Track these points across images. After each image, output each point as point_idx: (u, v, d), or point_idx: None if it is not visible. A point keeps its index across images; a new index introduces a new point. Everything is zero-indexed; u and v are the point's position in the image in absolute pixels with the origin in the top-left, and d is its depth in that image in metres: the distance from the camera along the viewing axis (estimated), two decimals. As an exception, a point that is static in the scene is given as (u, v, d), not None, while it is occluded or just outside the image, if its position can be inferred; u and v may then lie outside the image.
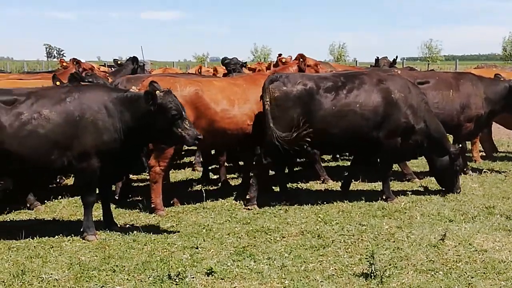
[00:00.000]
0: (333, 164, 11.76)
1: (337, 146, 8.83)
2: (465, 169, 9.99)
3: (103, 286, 5.31)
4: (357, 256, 6.06)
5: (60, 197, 8.74)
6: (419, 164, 10.90)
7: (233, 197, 8.66)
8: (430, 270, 5.68)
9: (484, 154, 12.17)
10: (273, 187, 9.08)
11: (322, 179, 9.77)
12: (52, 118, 6.43)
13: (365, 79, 8.32)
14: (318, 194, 8.48)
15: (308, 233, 6.85)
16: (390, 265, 5.77)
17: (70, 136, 6.47)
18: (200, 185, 9.63)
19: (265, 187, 8.58)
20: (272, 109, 7.91)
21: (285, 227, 7.12)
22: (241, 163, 10.61)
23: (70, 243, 6.54)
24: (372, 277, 5.43)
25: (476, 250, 6.24)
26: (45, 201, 8.47)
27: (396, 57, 16.59)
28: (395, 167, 9.61)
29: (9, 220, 7.66)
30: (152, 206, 7.85)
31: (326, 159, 11.94)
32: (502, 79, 10.21)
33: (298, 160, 11.05)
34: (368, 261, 5.55)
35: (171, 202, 8.20)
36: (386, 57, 16.14)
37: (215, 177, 10.29)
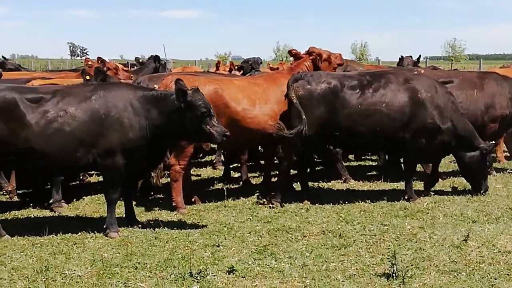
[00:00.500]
0: (354, 163, 11.69)
1: (361, 145, 8.76)
2: (489, 170, 9.87)
3: (125, 283, 5.35)
4: (379, 256, 6.03)
5: (83, 194, 8.82)
6: (441, 164, 10.78)
7: (254, 196, 8.66)
8: (452, 271, 5.62)
9: (508, 154, 12.01)
10: (294, 186, 9.08)
11: (343, 179, 9.74)
12: (77, 116, 6.50)
13: (391, 78, 8.26)
14: (339, 194, 8.45)
15: (329, 232, 6.83)
16: (412, 265, 5.72)
17: (96, 134, 6.54)
18: (222, 184, 9.67)
19: (286, 186, 8.60)
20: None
21: (306, 226, 7.11)
22: (262, 162, 10.62)
23: (93, 240, 6.60)
24: (394, 277, 5.39)
25: (500, 251, 6.16)
26: (67, 199, 8.55)
27: (420, 56, 16.46)
28: (418, 167, 9.52)
29: (33, 216, 7.76)
30: (174, 204, 7.90)
31: (348, 159, 11.88)
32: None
33: (319, 159, 11.03)
34: (390, 261, 5.52)
35: (192, 200, 8.24)
36: (411, 56, 16.02)
37: (236, 175, 10.30)
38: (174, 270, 5.59)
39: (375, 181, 9.55)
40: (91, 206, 8.26)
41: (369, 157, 12.08)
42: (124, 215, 7.22)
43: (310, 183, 9.14)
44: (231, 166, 10.47)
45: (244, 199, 8.50)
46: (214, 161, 11.53)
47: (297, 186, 9.12)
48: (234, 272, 5.55)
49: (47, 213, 7.90)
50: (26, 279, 5.43)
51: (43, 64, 47.23)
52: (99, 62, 11.51)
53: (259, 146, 9.40)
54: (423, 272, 5.58)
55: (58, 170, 6.93)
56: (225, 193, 8.30)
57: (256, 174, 10.54)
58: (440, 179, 9.62)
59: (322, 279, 5.44)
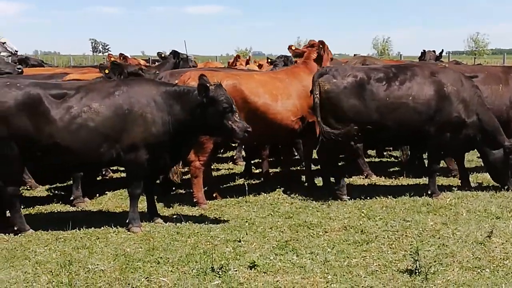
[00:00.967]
0: (376, 159, 11.62)
1: (386, 139, 8.68)
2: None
3: (147, 277, 5.39)
4: (401, 252, 5.99)
5: (106, 189, 8.89)
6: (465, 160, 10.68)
7: (275, 191, 8.66)
8: (476, 267, 5.57)
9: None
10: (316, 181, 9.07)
11: (365, 174, 9.69)
12: (101, 111, 6.56)
13: (417, 71, 8.19)
14: (361, 189, 8.40)
15: (351, 228, 6.80)
16: (435, 261, 5.68)
17: (119, 129, 6.59)
18: (243, 179, 9.67)
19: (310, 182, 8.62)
20: (322, 103, 7.88)
21: (328, 222, 7.09)
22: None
23: (116, 234, 6.66)
24: (417, 273, 5.36)
25: (524, 248, 6.09)
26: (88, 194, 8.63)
27: (442, 50, 16.27)
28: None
29: (56, 211, 7.84)
30: (195, 200, 7.93)
31: (369, 154, 11.81)
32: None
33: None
34: (412, 258, 5.48)
35: (213, 195, 8.26)
36: (434, 50, 15.85)
37: (257, 171, 10.31)
38: (196, 265, 5.62)
39: (397, 177, 9.48)
40: (114, 201, 8.33)
41: (391, 153, 11.99)
42: (146, 210, 7.26)
43: (332, 179, 9.10)
44: (252, 162, 10.46)
45: (265, 194, 8.50)
46: (235, 157, 11.55)
47: (317, 181, 9.12)
48: (255, 267, 5.56)
49: (70, 208, 7.97)
50: (50, 273, 5.49)
51: (65, 60, 47.65)
52: (121, 58, 11.59)
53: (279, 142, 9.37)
54: (446, 269, 5.54)
55: (81, 165, 6.99)
56: (246, 188, 8.30)
57: (277, 170, 10.52)
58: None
59: (344, 275, 5.42)
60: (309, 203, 7.95)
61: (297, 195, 8.39)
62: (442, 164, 9.60)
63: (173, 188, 8.91)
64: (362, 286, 5.22)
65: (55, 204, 8.12)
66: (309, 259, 5.80)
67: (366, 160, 10.22)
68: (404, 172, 9.61)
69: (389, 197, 8.12)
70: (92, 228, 6.82)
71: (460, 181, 8.91)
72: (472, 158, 10.61)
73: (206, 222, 7.07)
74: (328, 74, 8.02)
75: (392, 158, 11.70)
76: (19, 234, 6.60)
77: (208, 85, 6.68)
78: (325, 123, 7.87)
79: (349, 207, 7.71)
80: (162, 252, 6.02)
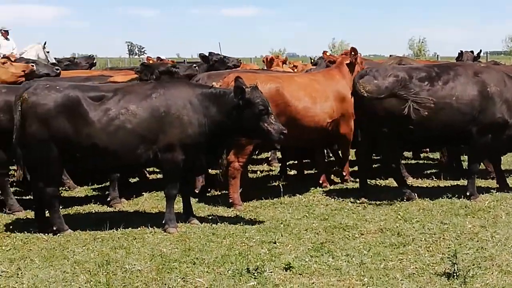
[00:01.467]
0: (412, 161, 11.49)
1: (427, 140, 8.58)
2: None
3: (183, 278, 5.42)
4: (439, 255, 5.91)
5: (142, 190, 8.98)
6: (504, 161, 10.48)
7: (310, 193, 8.63)
8: (516, 271, 5.46)
9: None
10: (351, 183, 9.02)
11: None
12: (138, 113, 6.64)
13: (460, 70, 8.05)
14: (397, 191, 8.32)
15: (387, 230, 6.74)
16: (473, 265, 5.58)
17: (156, 131, 6.66)
18: (278, 181, 9.65)
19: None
20: (364, 104, 7.86)
21: (364, 224, 7.03)
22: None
23: (152, 235, 6.72)
24: (455, 277, 5.27)
25: None
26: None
27: (480, 51, 16.01)
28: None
29: (94, 212, 7.95)
30: (230, 201, 7.96)
31: (406, 156, 11.68)
32: None
33: (376, 156, 10.89)
34: (450, 261, 5.39)
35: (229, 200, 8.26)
36: (472, 51, 15.61)
37: (292, 172, 10.29)
38: (232, 266, 5.63)
39: (435, 179, 9.35)
40: (150, 201, 8.40)
41: (428, 154, 11.83)
42: (182, 210, 7.31)
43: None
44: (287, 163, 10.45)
45: (300, 196, 8.47)
46: (269, 158, 11.54)
47: (351, 184, 9.07)
48: (291, 269, 5.55)
49: (107, 208, 8.07)
50: (88, 273, 5.56)
51: (102, 63, 48.25)
52: (158, 61, 11.71)
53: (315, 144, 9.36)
54: (485, 272, 5.44)
55: (118, 166, 7.10)
56: (281, 190, 8.29)
57: (313, 171, 10.48)
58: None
59: (380, 278, 5.37)
60: (344, 205, 7.91)
61: (332, 196, 8.35)
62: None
63: (209, 189, 8.95)
64: (399, 289, 5.17)
65: (93, 205, 8.23)
66: (345, 261, 5.76)
67: (403, 162, 10.10)
68: (441, 173, 9.47)
69: (426, 199, 8.01)
70: (129, 228, 6.89)
71: (497, 183, 8.75)
72: (505, 160, 10.41)
73: (241, 223, 7.09)
74: (369, 75, 7.96)
75: (429, 160, 11.55)
76: (58, 234, 6.71)
77: (243, 87, 6.70)
78: (366, 125, 7.80)
79: (385, 209, 7.64)
80: (198, 253, 6.06)
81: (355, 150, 9.11)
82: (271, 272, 5.49)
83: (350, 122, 8.66)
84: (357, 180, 8.94)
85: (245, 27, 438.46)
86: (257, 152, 11.73)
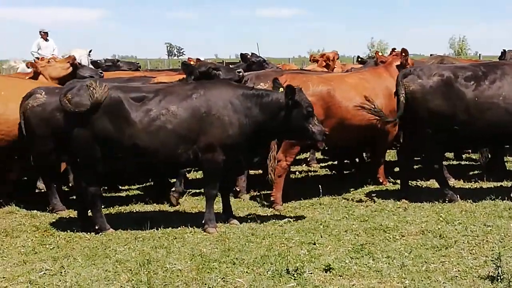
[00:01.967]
0: (454, 162, 11.29)
1: (472, 141, 8.42)
2: None
3: (223, 278, 5.44)
4: (482, 258, 5.79)
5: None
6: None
7: (350, 194, 8.57)
8: None
9: None
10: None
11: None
12: (179, 114, 6.70)
13: (507, 69, 7.87)
14: (439, 193, 8.18)
15: (429, 232, 6.63)
16: (518, 268, 5.45)
17: (197, 131, 6.72)
18: (317, 181, 9.60)
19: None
20: (407, 104, 7.77)
21: (405, 225, 6.94)
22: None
23: (192, 234, 6.76)
24: (499, 280, 5.16)
25: None
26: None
27: (524, 49, 15.60)
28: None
29: (135, 211, 8.04)
30: (272, 199, 7.97)
31: (447, 157, 11.49)
32: None
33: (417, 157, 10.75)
34: (494, 264, 5.28)
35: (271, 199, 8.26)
36: (517, 50, 15.23)
37: (331, 173, 10.23)
38: (271, 267, 5.62)
39: (477, 180, 9.17)
40: (190, 201, 8.46)
41: (470, 155, 11.61)
42: (221, 210, 7.34)
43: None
44: (325, 164, 10.41)
45: (339, 197, 8.42)
46: (308, 159, 11.50)
47: (392, 185, 8.97)
48: (331, 270, 5.51)
49: (148, 208, 8.16)
50: (129, 272, 5.63)
51: (142, 64, 48.79)
52: (196, 63, 11.79)
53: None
54: (530, 276, 5.30)
55: (159, 166, 7.18)
56: (321, 190, 8.26)
57: (351, 171, 10.42)
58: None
59: (422, 280, 5.29)
60: (384, 206, 7.82)
61: (372, 198, 8.27)
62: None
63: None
64: (441, 292, 5.10)
65: (134, 205, 8.31)
66: (386, 263, 5.70)
67: (444, 163, 9.93)
68: (484, 175, 9.28)
69: (469, 201, 7.86)
70: (170, 228, 6.95)
71: None
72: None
73: (280, 224, 7.08)
74: (413, 74, 7.86)
75: (472, 160, 11.33)
76: (100, 233, 6.82)
77: (295, 87, 6.80)
78: (410, 124, 7.71)
79: (426, 211, 7.52)
80: (238, 253, 6.07)
81: (396, 150, 9.01)
82: (311, 273, 5.47)
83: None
84: (397, 181, 8.85)
85: (283, 28, 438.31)
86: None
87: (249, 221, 7.24)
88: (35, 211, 7.97)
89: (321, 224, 7.06)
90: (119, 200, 8.59)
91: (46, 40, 18.78)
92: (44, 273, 5.66)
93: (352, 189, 8.79)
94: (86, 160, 6.76)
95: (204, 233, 6.80)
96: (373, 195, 8.41)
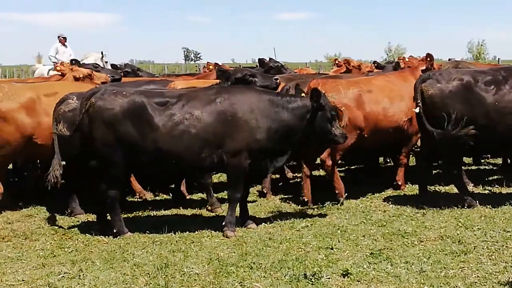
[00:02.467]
0: (473, 167, 11.19)
1: (493, 145, 8.34)
2: None
3: (241, 282, 5.44)
4: (502, 264, 5.73)
5: (199, 194, 9.08)
6: None
7: (367, 198, 8.53)
8: None
9: None
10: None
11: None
12: (203, 118, 6.75)
13: None
14: (457, 198, 8.11)
15: (447, 238, 6.58)
16: (539, 274, 5.40)
17: (221, 135, 6.77)
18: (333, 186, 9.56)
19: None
20: (426, 109, 7.72)
21: (423, 231, 6.88)
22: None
23: (209, 239, 6.77)
24: (519, 286, 5.12)
25: None
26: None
27: (544, 53, 15.48)
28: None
29: (152, 215, 8.07)
30: (337, 192, 8.28)
31: (466, 162, 11.40)
32: None
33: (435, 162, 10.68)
34: (514, 270, 5.24)
35: (304, 199, 8.27)
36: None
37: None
38: (289, 271, 5.61)
39: (496, 186, 9.08)
40: (207, 205, 8.44)
41: (489, 160, 11.50)
42: (239, 214, 7.35)
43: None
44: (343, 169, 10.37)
45: (356, 201, 8.38)
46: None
47: (410, 189, 8.91)
48: (348, 275, 5.49)
49: (166, 212, 8.18)
50: (147, 275, 5.65)
51: (159, 69, 49.16)
52: (215, 67, 11.89)
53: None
54: (552, 282, 5.25)
55: (183, 170, 7.24)
56: (343, 197, 8.24)
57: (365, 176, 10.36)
58: None
59: (441, 286, 5.25)
60: (402, 211, 7.77)
61: (390, 202, 8.23)
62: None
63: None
64: (461, 298, 5.06)
65: (152, 208, 8.31)
66: (404, 269, 5.66)
67: (463, 167, 9.85)
68: (504, 180, 9.19)
69: (488, 206, 7.77)
70: (187, 232, 6.96)
71: None
72: None
73: (298, 229, 7.07)
74: (432, 78, 7.81)
75: (491, 165, 11.22)
76: (118, 237, 6.85)
77: (321, 92, 6.94)
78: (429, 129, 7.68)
79: (445, 216, 7.46)
80: (255, 257, 6.07)
81: (415, 155, 8.98)
82: (329, 278, 5.45)
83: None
84: (415, 186, 8.80)
85: (300, 32, 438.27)
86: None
87: (266, 225, 7.23)
88: (54, 214, 8.02)
89: (338, 229, 7.04)
90: (136, 204, 8.62)
91: (65, 45, 18.97)
92: (63, 276, 5.70)
93: (369, 194, 8.75)
94: (108, 163, 6.80)
95: (222, 237, 6.80)
96: (391, 200, 8.37)
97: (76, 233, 7.12)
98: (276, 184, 9.52)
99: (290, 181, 9.98)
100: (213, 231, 6.96)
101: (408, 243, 6.45)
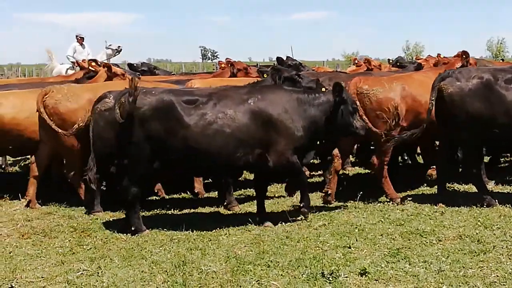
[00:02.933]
0: (493, 166, 11.07)
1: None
2: None
3: (258, 280, 5.44)
4: (522, 264, 5.68)
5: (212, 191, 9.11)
6: None
7: (385, 197, 8.48)
8: None
9: None
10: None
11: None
12: (237, 118, 6.83)
13: None
14: (477, 197, 8.03)
15: (466, 237, 6.52)
16: (559, 274, 5.33)
17: (257, 135, 6.87)
18: (352, 185, 9.54)
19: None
20: (445, 107, 7.69)
21: (442, 230, 6.83)
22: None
23: (227, 237, 6.78)
24: (540, 286, 5.06)
25: None
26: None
27: None
28: None
29: (170, 213, 8.10)
30: (388, 197, 8.21)
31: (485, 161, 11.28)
32: None
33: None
34: (534, 270, 5.19)
35: (328, 191, 8.30)
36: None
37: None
38: (306, 270, 5.60)
39: (516, 184, 8.99)
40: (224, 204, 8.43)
41: (509, 159, 11.40)
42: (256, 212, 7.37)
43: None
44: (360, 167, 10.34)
45: (374, 200, 8.33)
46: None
47: (428, 189, 8.86)
48: (366, 274, 5.47)
49: (183, 210, 8.19)
50: (165, 273, 5.67)
51: (177, 67, 49.29)
52: (229, 65, 11.90)
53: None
54: None
55: (215, 170, 7.35)
56: (356, 194, 8.22)
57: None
58: None
59: (459, 286, 5.21)
60: (421, 210, 7.72)
61: (408, 201, 8.18)
62: None
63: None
64: (480, 298, 5.01)
65: (169, 206, 8.34)
66: (423, 268, 5.62)
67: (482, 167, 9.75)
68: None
69: (507, 205, 7.69)
70: (205, 230, 6.98)
71: None
72: None
73: (315, 227, 7.05)
74: (451, 77, 7.74)
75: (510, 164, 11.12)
76: (136, 235, 6.89)
77: (342, 85, 7.13)
78: (450, 128, 7.61)
79: (464, 215, 7.40)
80: (272, 255, 6.06)
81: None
82: (346, 277, 5.43)
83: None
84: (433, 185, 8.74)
85: (317, 31, 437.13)
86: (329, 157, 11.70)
87: (283, 223, 7.22)
88: (73, 212, 8.10)
89: (356, 227, 7.01)
90: (154, 202, 8.65)
91: (82, 45, 19.13)
92: (82, 273, 5.74)
93: (387, 194, 8.68)
94: (134, 161, 6.85)
95: (239, 235, 6.81)
96: (409, 198, 8.32)
97: (95, 230, 7.16)
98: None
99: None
100: (230, 229, 6.97)
101: (427, 242, 6.41)
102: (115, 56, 19.58)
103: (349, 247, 6.28)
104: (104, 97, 7.48)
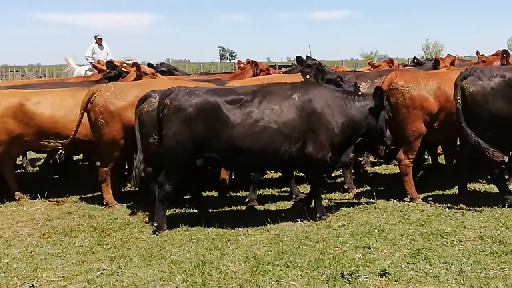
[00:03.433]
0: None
1: None
2: None
3: (277, 280, 5.43)
4: (545, 265, 5.60)
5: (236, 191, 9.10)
6: None
7: (405, 197, 8.41)
8: None
9: None
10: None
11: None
12: (282, 113, 6.92)
13: None
14: (498, 197, 7.94)
15: (488, 238, 6.46)
16: None
17: (303, 131, 6.96)
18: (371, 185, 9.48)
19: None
20: (467, 107, 7.60)
21: (462, 231, 6.77)
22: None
23: (246, 237, 6.78)
24: (562, 288, 4.98)
25: None
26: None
27: None
28: None
29: (189, 213, 8.08)
30: (409, 196, 8.15)
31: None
32: None
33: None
34: (557, 271, 5.11)
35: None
36: None
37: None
38: (325, 270, 5.59)
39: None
40: (243, 203, 8.41)
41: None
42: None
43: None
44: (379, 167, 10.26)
45: (394, 201, 8.26)
46: (362, 162, 11.35)
47: (448, 190, 8.77)
48: (386, 275, 5.44)
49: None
50: (184, 273, 5.69)
51: (195, 68, 49.46)
52: (253, 65, 11.93)
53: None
54: None
55: (260, 167, 7.58)
56: (374, 194, 8.15)
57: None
58: None
59: (481, 287, 5.16)
60: (441, 211, 7.64)
61: (428, 202, 8.10)
62: None
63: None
64: (502, 300, 4.96)
65: (188, 206, 8.31)
66: (443, 269, 5.57)
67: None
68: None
69: (530, 206, 7.61)
70: (224, 230, 6.99)
71: None
72: None
73: (334, 228, 7.02)
74: (473, 75, 7.66)
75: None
76: (156, 233, 6.92)
77: (384, 90, 7.25)
78: (470, 128, 7.52)
79: (485, 216, 7.32)
80: (291, 256, 6.05)
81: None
82: (366, 277, 5.40)
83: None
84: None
85: (335, 30, 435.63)
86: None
87: (302, 223, 7.20)
88: (93, 211, 8.16)
89: (376, 228, 6.97)
90: (174, 202, 8.64)
91: (100, 45, 19.24)
92: (102, 272, 5.78)
93: (407, 193, 8.61)
94: (174, 161, 6.93)
95: (257, 235, 6.80)
96: (429, 199, 8.24)
97: (115, 230, 7.21)
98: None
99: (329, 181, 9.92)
100: (249, 229, 6.97)
101: (447, 243, 6.36)
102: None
103: (369, 248, 6.25)
104: (148, 96, 7.53)
